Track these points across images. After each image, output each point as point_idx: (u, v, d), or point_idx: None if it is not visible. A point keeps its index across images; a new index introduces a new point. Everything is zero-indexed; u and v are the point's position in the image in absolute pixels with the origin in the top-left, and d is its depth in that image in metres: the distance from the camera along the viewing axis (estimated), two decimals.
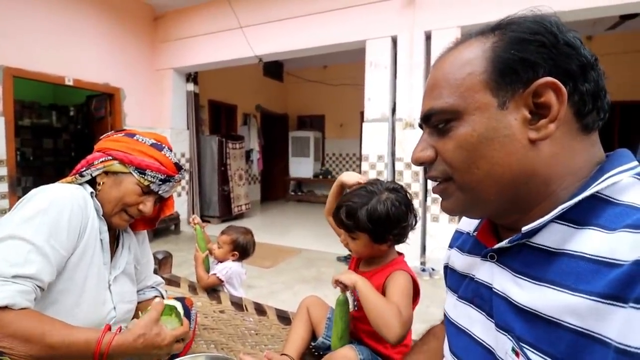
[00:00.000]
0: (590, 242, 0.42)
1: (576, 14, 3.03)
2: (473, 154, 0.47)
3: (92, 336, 0.73)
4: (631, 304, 0.35)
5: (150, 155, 0.93)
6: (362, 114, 4.18)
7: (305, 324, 1.11)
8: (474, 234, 0.63)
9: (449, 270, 0.68)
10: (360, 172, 4.06)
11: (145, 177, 0.91)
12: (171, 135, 5.12)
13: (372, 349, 1.00)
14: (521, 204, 0.49)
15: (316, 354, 1.13)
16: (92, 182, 0.94)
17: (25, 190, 1.04)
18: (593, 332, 0.38)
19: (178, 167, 0.98)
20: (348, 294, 0.97)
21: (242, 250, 1.78)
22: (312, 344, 1.11)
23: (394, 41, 3.79)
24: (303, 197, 8.24)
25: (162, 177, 0.93)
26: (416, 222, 1.01)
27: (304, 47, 4.25)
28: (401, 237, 1.00)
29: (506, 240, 0.50)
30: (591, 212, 0.44)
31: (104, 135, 1.00)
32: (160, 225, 4.31)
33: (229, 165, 5.84)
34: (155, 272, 1.22)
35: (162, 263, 1.49)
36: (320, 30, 4.09)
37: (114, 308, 0.93)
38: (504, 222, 0.54)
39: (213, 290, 1.63)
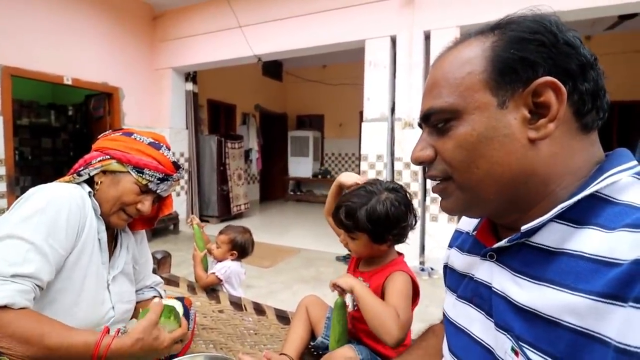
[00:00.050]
0: (589, 241, 0.42)
1: (575, 13, 3.04)
2: (473, 153, 0.47)
3: (91, 339, 0.73)
4: (631, 303, 0.35)
5: (148, 154, 0.92)
6: (361, 113, 4.17)
7: (304, 324, 1.11)
8: (474, 233, 0.63)
9: (448, 269, 0.68)
10: (359, 172, 4.08)
11: (144, 176, 0.91)
12: (170, 134, 5.11)
13: (371, 348, 1.00)
14: (520, 204, 0.49)
15: (315, 353, 1.13)
16: (90, 182, 0.93)
17: (24, 190, 1.04)
18: (592, 332, 0.38)
19: (176, 166, 0.97)
20: (347, 295, 0.97)
21: (241, 249, 1.78)
22: (311, 343, 1.11)
23: (393, 41, 3.79)
24: (302, 196, 8.23)
25: (160, 176, 0.93)
26: (416, 222, 1.01)
27: (303, 47, 4.25)
28: (401, 237, 1.00)
29: (505, 240, 0.50)
30: (590, 211, 0.44)
31: (102, 134, 1.00)
32: (159, 225, 4.30)
33: (227, 164, 5.83)
34: (154, 271, 1.21)
35: (161, 263, 1.49)
36: (320, 29, 4.09)
37: (113, 308, 0.93)
38: (503, 221, 0.54)
39: (212, 290, 1.63)
